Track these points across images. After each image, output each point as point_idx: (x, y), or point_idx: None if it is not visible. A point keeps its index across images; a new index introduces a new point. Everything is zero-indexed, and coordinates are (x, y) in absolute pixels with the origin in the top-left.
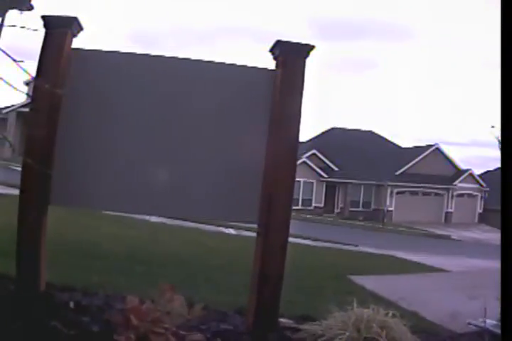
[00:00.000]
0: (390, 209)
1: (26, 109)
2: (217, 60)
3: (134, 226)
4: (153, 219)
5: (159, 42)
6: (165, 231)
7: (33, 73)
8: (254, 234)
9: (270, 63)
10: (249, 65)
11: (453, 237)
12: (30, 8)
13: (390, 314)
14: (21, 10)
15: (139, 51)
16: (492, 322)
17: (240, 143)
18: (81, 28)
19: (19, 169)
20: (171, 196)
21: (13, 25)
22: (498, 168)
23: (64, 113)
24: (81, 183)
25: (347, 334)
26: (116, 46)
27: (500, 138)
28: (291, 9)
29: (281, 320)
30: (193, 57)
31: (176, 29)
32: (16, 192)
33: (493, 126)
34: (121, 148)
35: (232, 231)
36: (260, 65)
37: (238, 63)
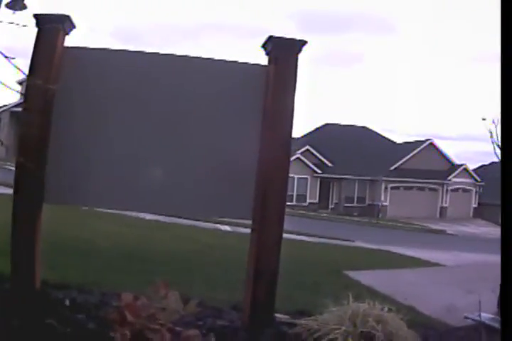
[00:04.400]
0: (384, 204)
1: (20, 109)
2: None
3: (128, 223)
4: (148, 216)
5: (143, 39)
6: (160, 228)
7: (26, 71)
8: (249, 231)
9: (256, 58)
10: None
11: (448, 232)
12: (24, 7)
13: (386, 308)
14: (14, 9)
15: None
16: (488, 315)
17: (233, 139)
18: (73, 26)
19: (14, 168)
20: (165, 193)
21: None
22: (493, 163)
23: (57, 111)
24: (74, 181)
25: (343, 328)
26: (100, 43)
27: (495, 131)
28: (276, 3)
29: (277, 315)
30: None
31: (161, 26)
32: (11, 191)
33: (484, 119)
34: (115, 146)
35: (228, 228)
36: (249, 61)
37: (229, 59)
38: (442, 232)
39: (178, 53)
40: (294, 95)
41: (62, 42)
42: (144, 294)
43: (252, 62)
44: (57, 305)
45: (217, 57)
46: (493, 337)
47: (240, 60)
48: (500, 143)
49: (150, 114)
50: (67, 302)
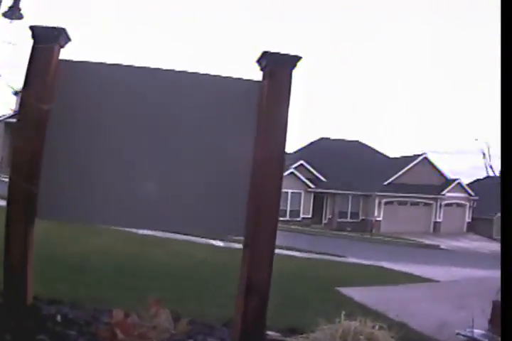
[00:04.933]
0: (378, 219)
1: (14, 120)
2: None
3: (122, 238)
4: (141, 231)
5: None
6: (153, 243)
7: (21, 84)
8: (241, 246)
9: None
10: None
11: (442, 247)
12: (20, 17)
13: (377, 326)
14: (11, 18)
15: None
16: (480, 331)
17: (226, 154)
18: (68, 39)
19: (7, 180)
20: (158, 210)
21: None
22: (487, 177)
23: (51, 124)
24: (67, 197)
25: None
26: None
27: (487, 152)
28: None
29: (269, 332)
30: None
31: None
32: (4, 203)
33: (476, 139)
34: (108, 161)
35: (220, 243)
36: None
37: (224, 75)
38: (435, 247)
39: (175, 68)
40: (287, 110)
41: (58, 56)
42: (135, 310)
43: (246, 78)
44: (49, 321)
45: (212, 73)
46: None
47: (235, 76)
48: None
49: (144, 129)
50: (59, 318)
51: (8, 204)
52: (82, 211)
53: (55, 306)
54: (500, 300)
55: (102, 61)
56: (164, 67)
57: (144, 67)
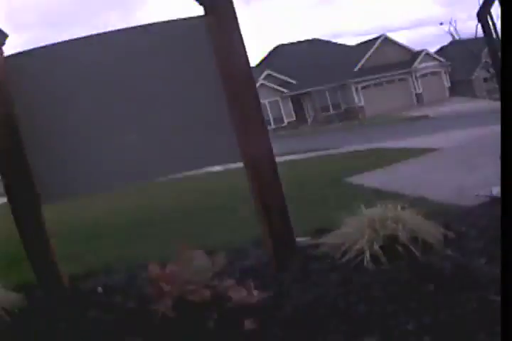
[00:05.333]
0: (360, 105)
1: None
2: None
3: (123, 192)
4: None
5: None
6: (154, 185)
7: None
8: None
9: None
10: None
11: (431, 116)
12: None
13: (399, 207)
14: None
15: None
16: (498, 188)
17: (196, 90)
18: (6, 35)
19: None
20: (151, 158)
21: None
22: (452, 42)
23: (21, 116)
24: (61, 176)
25: (366, 237)
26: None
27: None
28: None
29: (298, 239)
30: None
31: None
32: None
33: (441, 23)
34: (86, 130)
35: (218, 168)
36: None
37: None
38: (426, 117)
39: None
40: (239, 34)
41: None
42: (166, 258)
43: (190, 16)
44: (92, 295)
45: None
46: None
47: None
48: None
49: (110, 92)
50: (100, 289)
51: (8, 196)
52: (79, 184)
53: (92, 279)
54: None
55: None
56: (104, 30)
57: (86, 36)
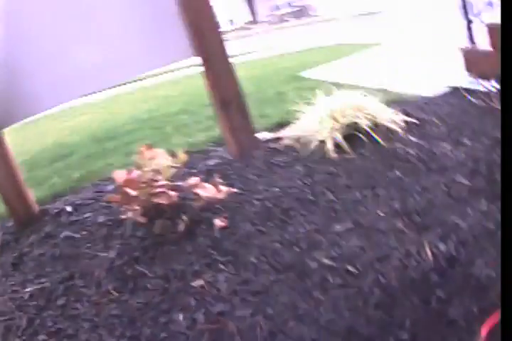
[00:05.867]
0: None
1: None
2: None
3: (80, 112)
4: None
5: None
6: (109, 100)
7: None
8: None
9: None
10: None
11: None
12: None
13: (361, 95)
14: None
15: None
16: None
17: None
18: None
19: None
20: (104, 65)
21: None
22: None
23: None
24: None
25: (327, 127)
26: None
27: None
28: None
29: (259, 134)
30: None
31: None
32: None
33: None
34: (35, 46)
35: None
36: None
37: None
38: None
39: None
40: None
41: None
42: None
43: None
44: (63, 215)
45: None
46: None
47: None
48: None
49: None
50: (69, 208)
51: None
52: (32, 104)
53: (60, 200)
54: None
55: None
56: None
57: None
